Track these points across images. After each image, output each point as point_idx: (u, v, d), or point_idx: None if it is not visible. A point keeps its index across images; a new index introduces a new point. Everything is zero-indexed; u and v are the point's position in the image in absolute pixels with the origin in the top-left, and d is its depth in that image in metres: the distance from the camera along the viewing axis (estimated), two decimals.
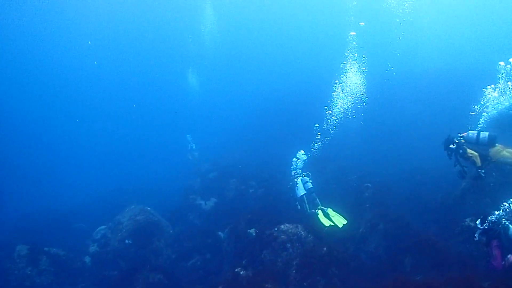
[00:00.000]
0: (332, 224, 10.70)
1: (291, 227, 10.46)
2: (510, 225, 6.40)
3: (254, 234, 11.34)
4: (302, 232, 10.37)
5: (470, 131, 9.40)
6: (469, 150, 9.17)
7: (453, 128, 10.27)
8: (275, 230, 10.48)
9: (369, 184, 14.38)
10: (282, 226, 10.50)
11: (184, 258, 12.55)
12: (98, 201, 20.96)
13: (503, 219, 6.59)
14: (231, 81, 54.56)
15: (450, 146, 9.47)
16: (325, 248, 9.59)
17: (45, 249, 12.39)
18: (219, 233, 13.33)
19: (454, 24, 42.59)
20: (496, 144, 9.03)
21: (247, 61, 57.52)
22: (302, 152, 13.81)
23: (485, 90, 11.79)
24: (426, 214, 12.46)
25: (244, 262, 10.17)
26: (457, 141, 9.40)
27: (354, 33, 16.99)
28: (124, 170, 30.04)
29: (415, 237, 9.87)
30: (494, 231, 6.49)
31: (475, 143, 9.21)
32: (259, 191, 15.98)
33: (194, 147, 23.14)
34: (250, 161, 21.69)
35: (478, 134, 9.18)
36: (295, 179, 12.65)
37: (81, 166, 34.45)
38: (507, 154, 8.84)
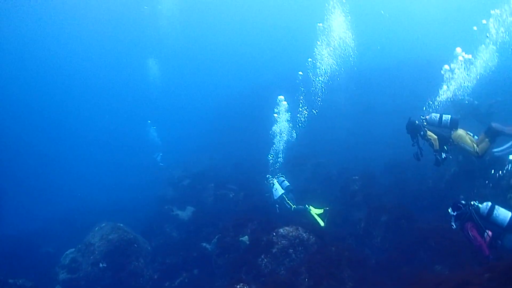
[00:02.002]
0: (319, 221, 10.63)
1: (291, 230, 9.39)
2: (480, 204, 6.45)
3: (248, 242, 10.17)
4: (304, 234, 9.35)
5: (432, 114, 9.27)
6: (429, 133, 9.06)
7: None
8: (274, 235, 9.37)
9: (356, 177, 13.77)
10: (281, 230, 9.41)
11: (169, 277, 11.09)
12: (63, 221, 18.78)
13: (472, 201, 6.60)
14: (194, 75, 50.10)
15: (416, 123, 9.31)
16: (333, 248, 8.63)
17: (10, 281, 10.81)
18: (204, 244, 12.02)
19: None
20: (460, 128, 8.93)
21: (212, 50, 51.62)
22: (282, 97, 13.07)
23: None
24: (419, 201, 11.93)
25: (242, 275, 8.95)
26: (418, 123, 9.28)
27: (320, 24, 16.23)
28: (87, 184, 26.98)
29: (424, 227, 9.20)
30: (466, 214, 6.52)
31: (438, 126, 9.10)
32: (240, 195, 14.80)
33: (161, 155, 21.54)
34: (224, 164, 20.52)
35: (441, 117, 9.05)
36: (271, 181, 12.30)
37: (40, 183, 30.34)
38: (469, 141, 8.70)
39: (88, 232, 11.90)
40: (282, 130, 13.69)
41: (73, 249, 11.80)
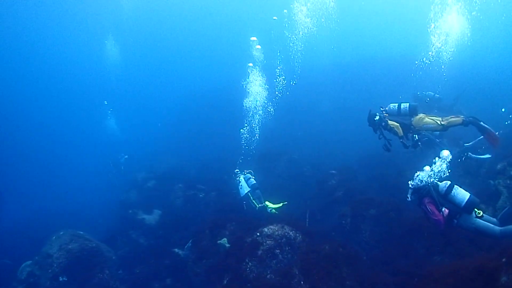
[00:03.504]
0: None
1: (276, 228, 8.58)
2: (439, 182, 6.71)
3: (227, 245, 9.25)
4: (291, 233, 8.57)
5: (391, 104, 9.26)
6: (390, 122, 9.03)
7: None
8: (258, 236, 8.51)
9: (333, 171, 13.26)
10: (266, 229, 8.58)
11: None
12: (18, 229, 16.74)
13: (431, 178, 6.86)
14: (159, 62, 44.74)
15: (375, 119, 9.27)
16: (326, 246, 7.91)
17: None
18: (176, 250, 10.94)
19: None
20: (419, 113, 8.97)
21: (181, 33, 45.85)
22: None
23: None
24: (401, 193, 11.47)
25: (225, 282, 8.03)
26: (378, 115, 9.26)
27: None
28: (41, 187, 24.05)
29: (414, 218, 8.74)
30: (424, 190, 6.74)
31: (398, 115, 9.14)
32: (211, 195, 13.75)
33: (126, 158, 19.81)
34: (190, 163, 19.39)
35: (399, 106, 9.09)
36: (237, 178, 11.83)
37: None
38: (429, 120, 8.77)
39: (45, 242, 10.46)
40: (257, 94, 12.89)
41: (30, 262, 10.33)
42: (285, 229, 8.60)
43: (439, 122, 8.60)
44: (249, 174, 11.83)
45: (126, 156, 20.00)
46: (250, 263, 8.06)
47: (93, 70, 40.02)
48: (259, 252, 8.16)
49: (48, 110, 38.22)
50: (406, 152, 11.64)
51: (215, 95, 25.10)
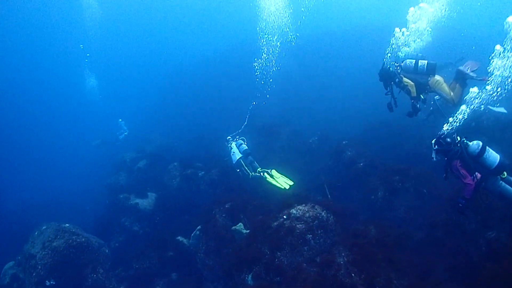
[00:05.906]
0: (280, 186, 9.23)
1: (307, 209, 7.23)
2: (469, 142, 6.13)
3: (245, 231, 7.86)
4: (323, 213, 7.20)
5: (407, 60, 8.50)
6: (405, 79, 8.36)
7: None
8: (285, 219, 7.12)
9: (345, 141, 11.94)
10: (294, 211, 7.21)
11: (140, 286, 8.45)
12: None
13: (459, 138, 6.28)
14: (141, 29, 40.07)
15: (390, 69, 8.47)
16: (373, 228, 6.62)
17: None
18: (180, 238, 9.47)
19: None
20: (437, 75, 8.31)
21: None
22: None
23: None
24: (422, 163, 10.31)
25: (249, 278, 6.65)
26: (392, 69, 8.48)
27: None
28: (18, 178, 20.88)
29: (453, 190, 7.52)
30: (455, 152, 6.16)
31: (414, 72, 8.42)
32: (212, 173, 12.17)
33: (125, 134, 17.68)
34: (181, 140, 17.75)
35: (417, 62, 8.38)
36: (229, 145, 11.12)
37: None
38: (446, 88, 8.17)
39: (27, 239, 8.85)
40: None
41: (13, 263, 8.86)
42: (316, 209, 7.26)
43: (451, 94, 8.08)
44: (241, 141, 11.06)
45: (126, 133, 17.82)
46: (278, 253, 6.71)
47: (69, 27, 33.46)
48: (289, 238, 6.79)
49: (17, 75, 33.42)
50: (416, 120, 10.49)
51: (210, 59, 23.11)
